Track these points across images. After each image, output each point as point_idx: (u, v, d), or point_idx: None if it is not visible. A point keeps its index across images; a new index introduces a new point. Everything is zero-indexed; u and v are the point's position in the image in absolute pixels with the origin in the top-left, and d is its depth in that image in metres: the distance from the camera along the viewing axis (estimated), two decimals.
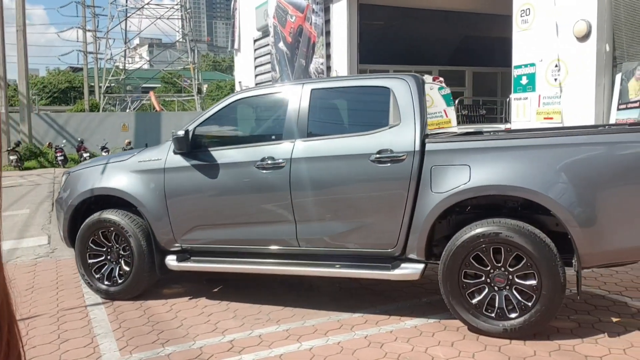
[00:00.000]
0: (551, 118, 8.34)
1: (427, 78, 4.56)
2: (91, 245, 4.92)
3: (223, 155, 4.53)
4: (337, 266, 4.24)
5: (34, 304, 4.93)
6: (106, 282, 4.89)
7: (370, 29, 17.06)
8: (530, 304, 3.68)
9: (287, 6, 15.83)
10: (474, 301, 3.82)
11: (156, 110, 34.94)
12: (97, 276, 4.91)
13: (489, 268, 3.81)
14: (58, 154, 23.22)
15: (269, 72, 17.44)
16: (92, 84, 47.65)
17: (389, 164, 4.02)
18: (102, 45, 48.03)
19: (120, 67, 47.72)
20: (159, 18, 41.13)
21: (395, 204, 4.02)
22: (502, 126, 10.22)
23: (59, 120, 28.22)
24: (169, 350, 3.81)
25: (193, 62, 39.26)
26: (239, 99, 4.69)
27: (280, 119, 4.47)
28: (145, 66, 58.62)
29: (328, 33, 14.14)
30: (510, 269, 3.76)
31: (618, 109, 7.65)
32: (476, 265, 3.82)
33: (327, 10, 14.07)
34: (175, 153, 4.64)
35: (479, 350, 3.63)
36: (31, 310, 4.74)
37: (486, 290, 3.83)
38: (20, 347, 0.62)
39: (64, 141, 25.44)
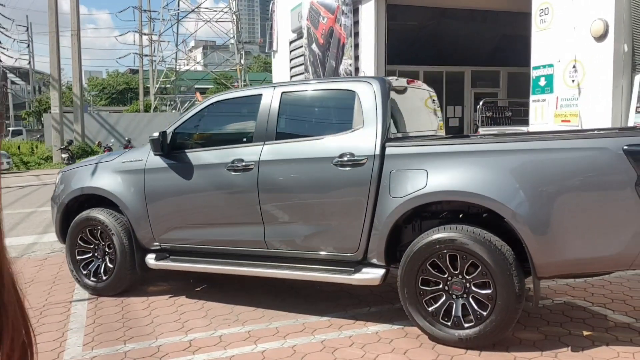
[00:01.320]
0: (568, 121, 8.03)
1: (400, 81, 4.49)
2: (79, 242, 5.12)
3: (197, 157, 4.62)
4: (302, 269, 4.24)
5: (26, 297, 5.16)
6: (92, 278, 5.07)
7: (402, 29, 16.89)
8: (485, 313, 3.58)
9: (320, 8, 15.90)
10: (431, 309, 3.74)
11: None
12: (84, 272, 5.11)
13: (446, 275, 3.72)
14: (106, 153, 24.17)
15: (302, 73, 17.56)
16: (148, 85, 49.32)
17: (349, 168, 3.99)
18: (159, 47, 49.62)
19: (174, 69, 49.24)
20: (209, 21, 42.11)
21: (356, 208, 3.99)
22: (525, 128, 9.90)
23: (110, 120, 29.37)
24: (128, 347, 3.92)
25: (240, 64, 39.95)
26: (216, 102, 4.77)
27: (252, 122, 4.51)
28: (200, 68, 60.20)
29: (357, 34, 14.10)
30: (468, 277, 3.66)
31: (637, 112, 7.29)
32: (433, 272, 3.74)
33: (355, 12, 14.04)
34: (155, 154, 4.77)
35: (430, 359, 3.55)
36: None
37: (443, 297, 3.74)
38: (32, 335, 0.65)
39: (112, 140, 26.43)
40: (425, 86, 5.02)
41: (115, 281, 4.97)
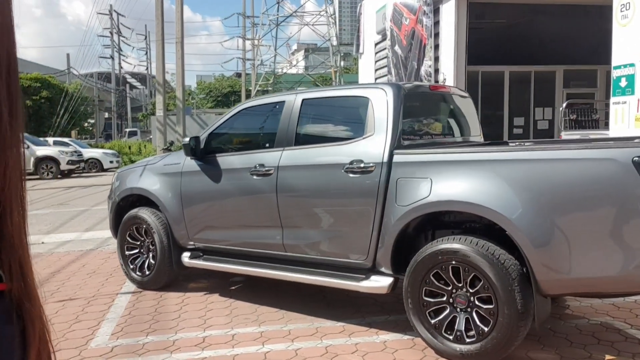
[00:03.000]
0: None
1: (424, 87, 4.38)
2: (128, 238, 5.52)
3: (226, 161, 4.82)
4: (316, 274, 4.29)
5: (83, 287, 5.66)
6: (138, 273, 5.45)
7: (490, 28, 16.25)
8: (487, 329, 3.43)
9: (402, 9, 15.74)
10: (434, 321, 3.64)
11: None
12: (131, 267, 5.50)
13: (450, 288, 3.61)
14: None
15: (386, 75, 17.46)
16: (250, 88, 51.32)
17: (359, 175, 3.98)
18: (258, 52, 51.61)
19: (277, 72, 50.97)
20: (306, 25, 43.07)
21: (364, 215, 3.97)
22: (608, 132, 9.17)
23: (209, 122, 30.96)
24: (148, 339, 4.18)
25: (335, 66, 40.42)
26: (245, 108, 4.95)
27: (275, 127, 4.63)
28: (302, 70, 61.70)
29: (437, 35, 13.80)
30: (471, 291, 3.53)
31: None
32: (436, 283, 3.64)
33: (436, 12, 13.75)
34: (191, 159, 5.03)
35: None
36: (76, 293, 5.46)
37: (447, 310, 3.63)
38: (50, 346, 0.66)
39: None
40: (458, 91, 4.85)
41: (156, 276, 5.30)
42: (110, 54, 62.14)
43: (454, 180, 3.56)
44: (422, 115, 4.52)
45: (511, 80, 14.88)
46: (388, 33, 16.91)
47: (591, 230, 3.14)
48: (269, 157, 4.50)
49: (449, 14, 13.21)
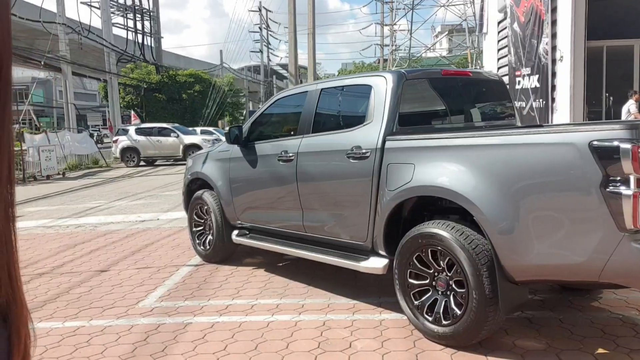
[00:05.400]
0: None
1: (435, 72, 4.38)
2: (195, 217, 6.23)
3: (261, 148, 5.27)
4: (327, 253, 4.57)
5: (163, 257, 6.48)
6: (202, 247, 6.14)
7: None
8: (460, 312, 3.48)
9: None
10: (417, 302, 3.76)
11: None
12: (198, 241, 6.21)
13: (432, 271, 3.69)
14: None
15: (506, 55, 16.62)
16: None
17: (357, 160, 4.18)
18: (400, 37, 51.58)
19: (417, 56, 50.56)
20: (443, 6, 42.00)
21: (363, 199, 4.16)
22: None
23: None
24: (184, 303, 4.77)
25: (472, 47, 38.95)
26: (278, 99, 5.35)
27: (299, 116, 4.96)
28: (445, 53, 60.39)
29: (554, 9, 12.87)
30: (450, 274, 3.59)
31: None
32: (419, 266, 3.74)
33: None
34: (237, 146, 5.56)
35: (399, 349, 3.61)
36: (154, 262, 6.29)
37: (429, 292, 3.72)
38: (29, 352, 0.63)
39: None
40: (484, 75, 4.75)
41: (214, 251, 5.95)
42: (259, 48, 65.99)
43: (432, 165, 3.63)
44: (430, 102, 4.53)
45: None
46: (508, 10, 16.08)
47: (552, 216, 3.05)
48: (292, 144, 4.85)
49: None
